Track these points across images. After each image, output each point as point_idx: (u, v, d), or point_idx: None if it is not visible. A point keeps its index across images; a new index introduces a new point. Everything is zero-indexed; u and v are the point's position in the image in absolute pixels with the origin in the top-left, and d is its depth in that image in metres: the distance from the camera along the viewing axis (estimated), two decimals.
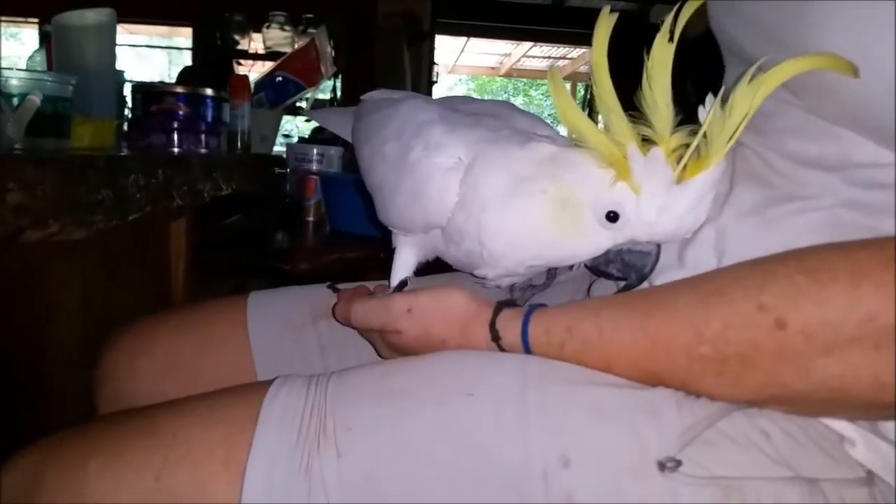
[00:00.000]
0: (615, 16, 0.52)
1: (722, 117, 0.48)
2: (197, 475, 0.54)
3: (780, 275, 0.47)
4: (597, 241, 0.57)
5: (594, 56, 0.51)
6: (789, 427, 0.50)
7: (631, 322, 0.52)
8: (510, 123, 0.65)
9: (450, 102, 0.71)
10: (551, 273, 0.78)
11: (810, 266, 0.46)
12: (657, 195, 0.53)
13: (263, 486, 0.52)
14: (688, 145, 0.51)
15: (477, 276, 0.65)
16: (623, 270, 0.59)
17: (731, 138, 0.49)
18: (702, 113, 0.50)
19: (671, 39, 0.50)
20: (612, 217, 0.55)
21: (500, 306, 0.59)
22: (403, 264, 0.71)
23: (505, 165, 0.59)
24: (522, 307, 0.59)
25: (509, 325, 0.57)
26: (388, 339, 0.64)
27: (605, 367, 0.53)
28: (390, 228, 0.70)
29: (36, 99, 0.69)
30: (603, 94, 0.52)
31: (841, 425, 0.51)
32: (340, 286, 0.79)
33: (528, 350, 0.56)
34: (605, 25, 0.52)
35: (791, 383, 0.47)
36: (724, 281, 0.50)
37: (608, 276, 0.61)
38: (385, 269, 0.75)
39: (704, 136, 0.50)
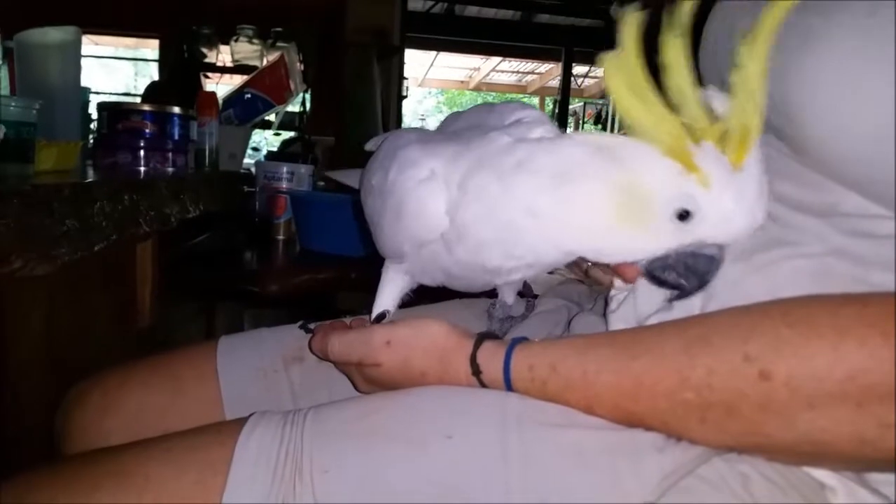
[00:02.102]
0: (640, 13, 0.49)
1: (740, 89, 0.46)
2: None
3: (765, 326, 0.47)
4: (663, 239, 0.52)
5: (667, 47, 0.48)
6: (769, 472, 0.50)
7: (616, 363, 0.52)
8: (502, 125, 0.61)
9: (450, 123, 0.70)
10: (530, 305, 0.78)
11: (795, 319, 0.46)
12: (727, 187, 0.48)
13: None
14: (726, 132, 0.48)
15: (488, 271, 0.60)
16: (684, 276, 0.54)
17: (756, 106, 0.47)
18: (716, 102, 0.48)
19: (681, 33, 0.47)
20: (684, 215, 0.50)
21: (480, 338, 0.58)
22: (387, 297, 0.70)
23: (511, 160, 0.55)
24: (504, 340, 0.58)
25: (491, 359, 0.56)
26: (366, 373, 0.63)
27: (587, 407, 0.53)
28: (385, 258, 0.69)
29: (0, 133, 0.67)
30: (680, 81, 0.47)
31: (822, 473, 0.51)
32: (312, 325, 0.79)
33: (509, 386, 0.56)
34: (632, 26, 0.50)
35: (774, 434, 0.47)
36: (711, 328, 0.50)
37: (661, 283, 0.56)
38: (355, 290, 0.74)
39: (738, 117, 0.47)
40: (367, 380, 0.63)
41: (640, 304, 0.61)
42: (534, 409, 0.54)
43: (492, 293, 0.73)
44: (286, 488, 0.52)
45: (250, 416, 0.59)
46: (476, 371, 0.57)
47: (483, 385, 0.57)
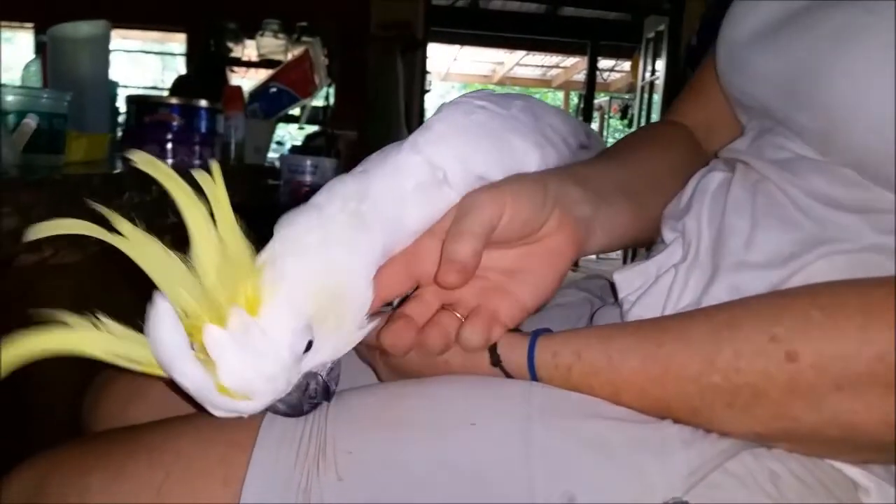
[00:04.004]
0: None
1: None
2: (196, 492, 0.54)
3: (793, 308, 0.47)
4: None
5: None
6: (799, 470, 0.50)
7: (642, 349, 0.51)
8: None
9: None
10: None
11: (824, 301, 0.46)
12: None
13: None
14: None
15: None
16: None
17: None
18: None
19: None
20: None
21: None
22: None
23: None
24: (527, 333, 0.57)
25: (513, 349, 0.56)
26: (390, 361, 0.62)
27: (613, 394, 0.52)
28: None
29: (32, 122, 0.69)
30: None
31: (854, 472, 0.50)
32: None
33: (533, 373, 0.55)
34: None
35: (802, 416, 0.46)
36: (738, 312, 0.49)
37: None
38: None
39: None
40: (391, 368, 0.63)
41: (666, 305, 0.60)
42: (558, 400, 0.54)
43: None
44: (310, 465, 0.53)
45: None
46: (496, 361, 0.56)
47: (506, 374, 0.56)
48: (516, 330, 0.59)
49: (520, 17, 7.12)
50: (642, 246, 0.69)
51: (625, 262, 5.74)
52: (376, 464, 0.53)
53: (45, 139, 0.79)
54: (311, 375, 0.52)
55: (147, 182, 0.86)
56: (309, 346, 0.50)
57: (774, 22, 0.61)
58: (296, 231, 0.52)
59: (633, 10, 6.19)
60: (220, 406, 0.47)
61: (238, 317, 0.46)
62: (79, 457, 0.59)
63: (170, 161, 1.50)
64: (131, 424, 0.73)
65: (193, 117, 1.58)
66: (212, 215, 0.46)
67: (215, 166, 0.47)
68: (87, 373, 0.80)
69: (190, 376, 0.45)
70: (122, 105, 1.70)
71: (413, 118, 4.82)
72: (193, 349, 0.45)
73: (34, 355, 0.44)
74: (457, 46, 9.00)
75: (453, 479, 0.51)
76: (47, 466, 0.59)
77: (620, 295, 0.65)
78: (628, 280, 0.65)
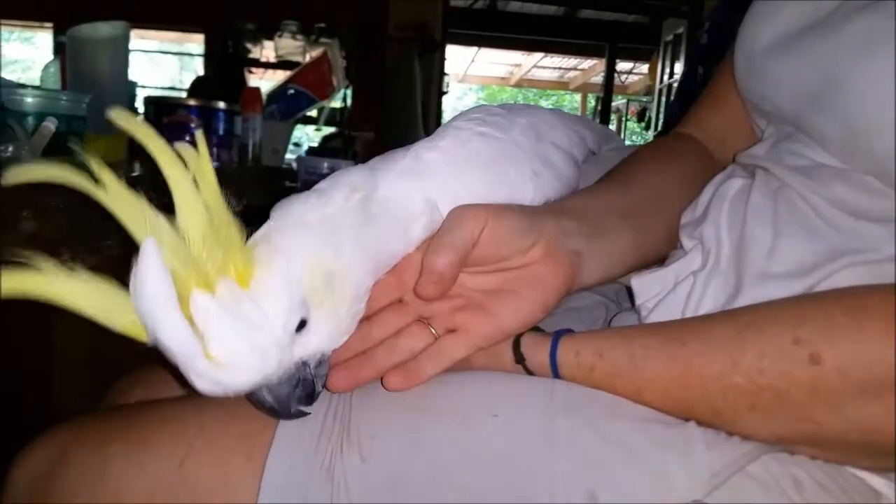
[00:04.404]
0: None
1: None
2: (219, 466, 0.55)
3: (817, 310, 0.46)
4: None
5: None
6: (821, 477, 0.49)
7: (665, 349, 0.51)
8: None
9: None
10: None
11: (848, 304, 0.46)
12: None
13: (282, 481, 0.52)
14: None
15: None
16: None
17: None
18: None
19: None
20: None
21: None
22: None
23: None
24: (549, 332, 0.58)
25: (536, 347, 0.56)
26: None
27: (635, 394, 0.52)
28: None
29: (51, 126, 0.68)
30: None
31: (877, 481, 0.50)
32: None
33: (556, 372, 0.55)
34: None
35: (824, 420, 0.46)
36: (762, 313, 0.49)
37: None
38: None
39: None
40: None
41: (686, 309, 0.60)
42: (582, 398, 0.54)
43: None
44: (333, 446, 0.53)
45: None
46: (520, 359, 0.56)
47: (529, 373, 0.57)
48: (539, 330, 0.59)
49: (538, 20, 7.11)
50: (648, 267, 0.67)
51: None
52: (399, 448, 0.53)
53: (62, 141, 0.79)
54: (302, 368, 0.50)
55: (165, 184, 0.86)
56: (302, 325, 0.47)
57: (795, 29, 0.61)
58: (294, 210, 0.51)
59: (651, 12, 6.16)
60: (203, 374, 0.43)
61: (228, 286, 0.43)
62: (101, 427, 0.60)
63: None
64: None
65: (211, 119, 1.57)
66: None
67: (200, 137, 0.45)
68: (105, 380, 0.80)
69: (176, 335, 0.41)
70: (140, 105, 1.70)
71: (430, 119, 4.82)
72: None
73: (11, 294, 0.40)
74: (475, 48, 9.00)
75: (475, 467, 0.51)
76: (69, 435, 0.59)
77: (638, 301, 0.65)
78: (646, 286, 0.65)
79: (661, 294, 0.63)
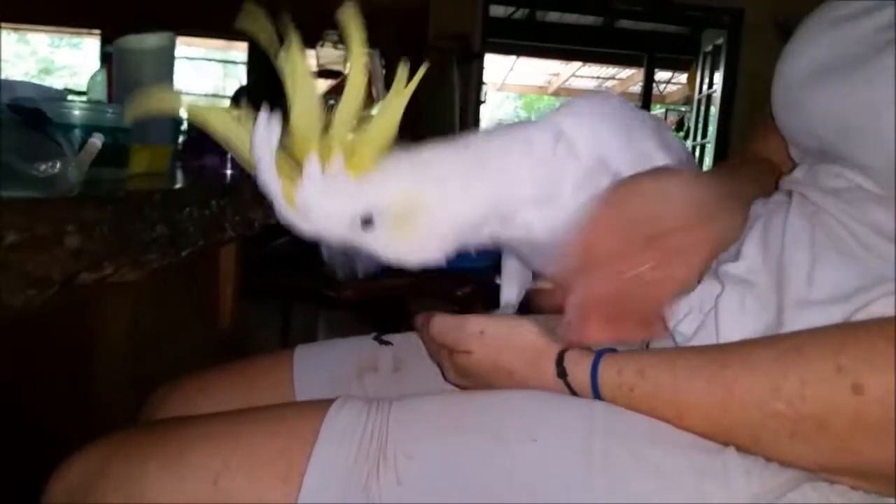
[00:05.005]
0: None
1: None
2: (255, 483, 0.55)
3: (860, 338, 0.46)
4: None
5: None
6: None
7: (707, 371, 0.51)
8: None
9: None
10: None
11: (891, 332, 0.45)
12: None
13: (319, 500, 0.53)
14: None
15: None
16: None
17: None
18: None
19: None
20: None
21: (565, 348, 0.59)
22: (509, 291, 0.75)
23: None
24: (593, 350, 0.58)
25: (579, 363, 0.57)
26: (456, 360, 0.63)
27: (675, 416, 0.52)
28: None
29: (97, 142, 0.69)
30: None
31: None
32: (386, 337, 0.80)
33: (596, 390, 0.55)
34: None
35: (865, 452, 0.45)
36: (804, 339, 0.49)
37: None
38: (427, 297, 0.77)
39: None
40: (457, 368, 0.64)
41: (722, 333, 0.59)
42: (621, 423, 0.54)
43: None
44: (370, 466, 0.53)
45: (335, 398, 0.60)
46: (562, 373, 0.57)
47: (570, 388, 0.57)
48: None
49: (576, 29, 7.07)
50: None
51: None
52: (436, 470, 0.53)
53: (108, 154, 0.80)
54: (357, 250, 0.58)
55: (207, 197, 0.87)
56: (368, 222, 0.56)
57: (829, 60, 0.60)
58: (427, 149, 0.60)
59: (690, 23, 6.09)
60: (279, 208, 0.55)
61: (338, 162, 0.54)
62: (138, 442, 0.62)
63: (229, 171, 1.51)
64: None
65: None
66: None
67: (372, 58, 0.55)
68: (143, 389, 0.81)
69: (268, 178, 0.53)
70: (183, 113, 1.72)
71: (468, 128, 4.82)
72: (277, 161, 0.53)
73: (168, 110, 0.58)
74: (513, 57, 8.99)
75: (511, 491, 0.52)
76: (108, 450, 0.61)
77: (670, 325, 0.64)
78: (674, 310, 0.64)
79: (694, 315, 0.63)
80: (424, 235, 0.58)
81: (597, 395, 0.55)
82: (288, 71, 0.53)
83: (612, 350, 0.57)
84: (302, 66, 0.53)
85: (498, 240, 0.63)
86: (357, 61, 0.54)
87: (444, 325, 0.64)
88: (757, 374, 0.49)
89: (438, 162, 0.59)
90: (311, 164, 0.53)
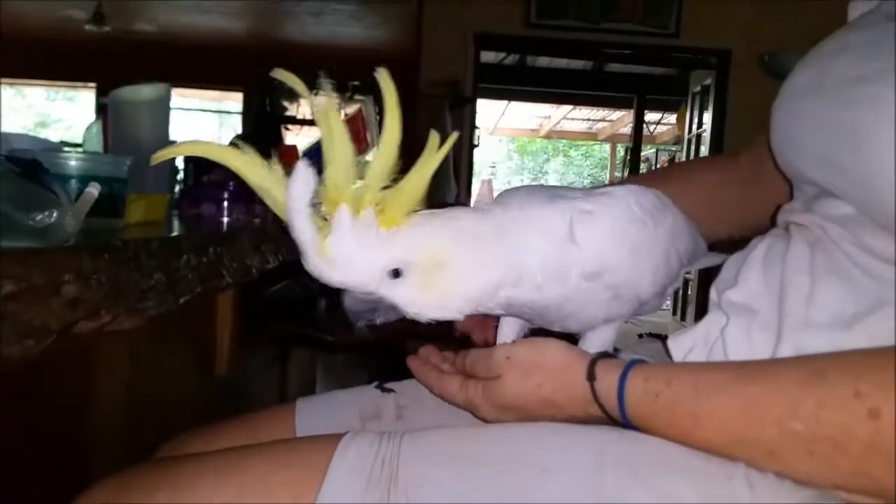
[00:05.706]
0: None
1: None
2: None
3: (880, 365, 0.46)
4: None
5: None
6: None
7: (730, 386, 0.52)
8: None
9: None
10: None
11: None
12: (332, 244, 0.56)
13: None
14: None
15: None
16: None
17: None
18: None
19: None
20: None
21: (598, 355, 0.61)
22: (508, 331, 0.76)
23: None
24: (625, 359, 0.60)
25: (609, 369, 0.58)
26: (489, 392, 0.63)
27: (693, 424, 0.53)
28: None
29: (94, 192, 0.70)
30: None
31: None
32: (388, 384, 0.80)
33: (621, 395, 0.56)
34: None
35: (881, 477, 0.46)
36: (826, 363, 0.50)
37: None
38: (424, 339, 0.77)
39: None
40: (490, 399, 0.63)
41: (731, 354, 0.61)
42: (632, 455, 0.54)
43: None
44: (381, 493, 0.54)
45: (346, 433, 0.61)
46: (591, 376, 0.58)
47: (595, 394, 0.57)
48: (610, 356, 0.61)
49: (566, 73, 7.19)
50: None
51: (674, 313, 5.65)
52: (446, 498, 0.54)
53: (104, 204, 0.80)
54: (378, 300, 0.60)
55: (204, 244, 0.87)
56: (396, 274, 0.58)
57: (805, 92, 0.63)
58: (457, 212, 0.63)
59: (679, 65, 6.18)
60: (310, 257, 0.56)
61: (370, 215, 0.56)
62: (147, 476, 0.62)
63: (226, 219, 1.52)
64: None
65: None
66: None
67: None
68: (142, 441, 0.79)
69: (301, 228, 0.55)
70: (180, 163, 1.73)
71: (462, 172, 4.85)
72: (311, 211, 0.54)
73: (208, 155, 0.59)
74: (505, 102, 9.11)
75: None
76: (116, 486, 0.61)
77: (676, 358, 0.66)
78: (680, 343, 0.66)
79: (696, 349, 0.65)
80: (448, 293, 0.60)
81: (621, 399, 0.56)
82: (324, 126, 0.55)
83: (643, 361, 0.59)
84: (337, 122, 0.55)
85: (511, 305, 0.64)
86: (392, 120, 0.56)
87: (473, 356, 0.66)
88: (778, 393, 0.50)
89: (464, 225, 0.61)
90: (345, 216, 0.55)
